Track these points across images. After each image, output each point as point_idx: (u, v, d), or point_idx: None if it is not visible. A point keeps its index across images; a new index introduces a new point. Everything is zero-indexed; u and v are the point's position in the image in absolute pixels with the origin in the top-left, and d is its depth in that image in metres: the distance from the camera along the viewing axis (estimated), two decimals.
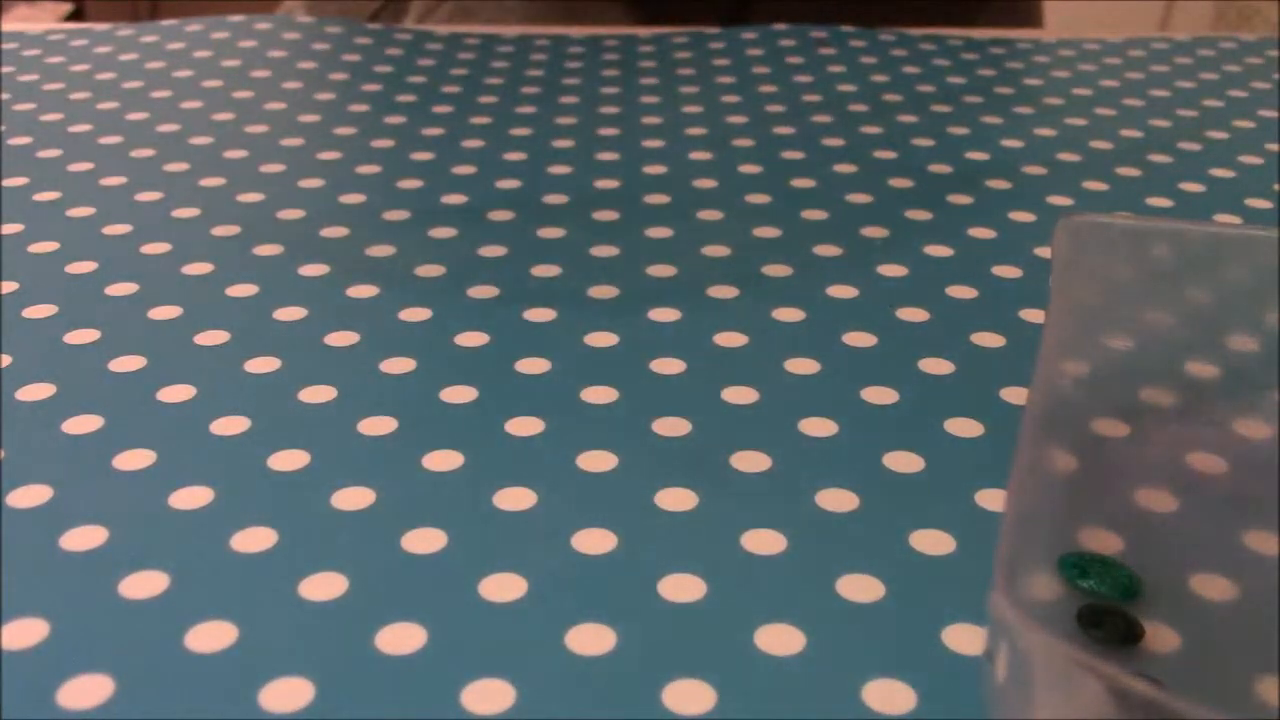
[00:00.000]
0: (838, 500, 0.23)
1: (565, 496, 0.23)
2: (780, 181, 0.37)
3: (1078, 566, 0.20)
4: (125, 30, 0.52)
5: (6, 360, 0.27)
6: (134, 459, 0.23)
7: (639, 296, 0.30)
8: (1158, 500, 0.22)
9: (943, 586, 0.20)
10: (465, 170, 0.37)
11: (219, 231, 0.33)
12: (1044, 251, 0.32)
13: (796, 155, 0.39)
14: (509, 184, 0.36)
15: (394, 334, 0.28)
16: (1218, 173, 0.38)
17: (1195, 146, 0.40)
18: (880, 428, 0.25)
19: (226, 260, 0.32)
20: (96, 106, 0.43)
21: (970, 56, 0.49)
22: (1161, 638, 0.19)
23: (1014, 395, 0.26)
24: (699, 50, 0.50)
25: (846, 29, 0.53)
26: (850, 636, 0.19)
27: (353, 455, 0.24)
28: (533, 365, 0.27)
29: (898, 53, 0.50)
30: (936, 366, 0.27)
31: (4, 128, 0.41)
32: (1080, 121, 0.42)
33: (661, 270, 0.31)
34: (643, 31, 0.53)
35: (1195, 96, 0.45)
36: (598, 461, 0.24)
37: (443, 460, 0.24)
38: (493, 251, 0.32)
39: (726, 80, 0.46)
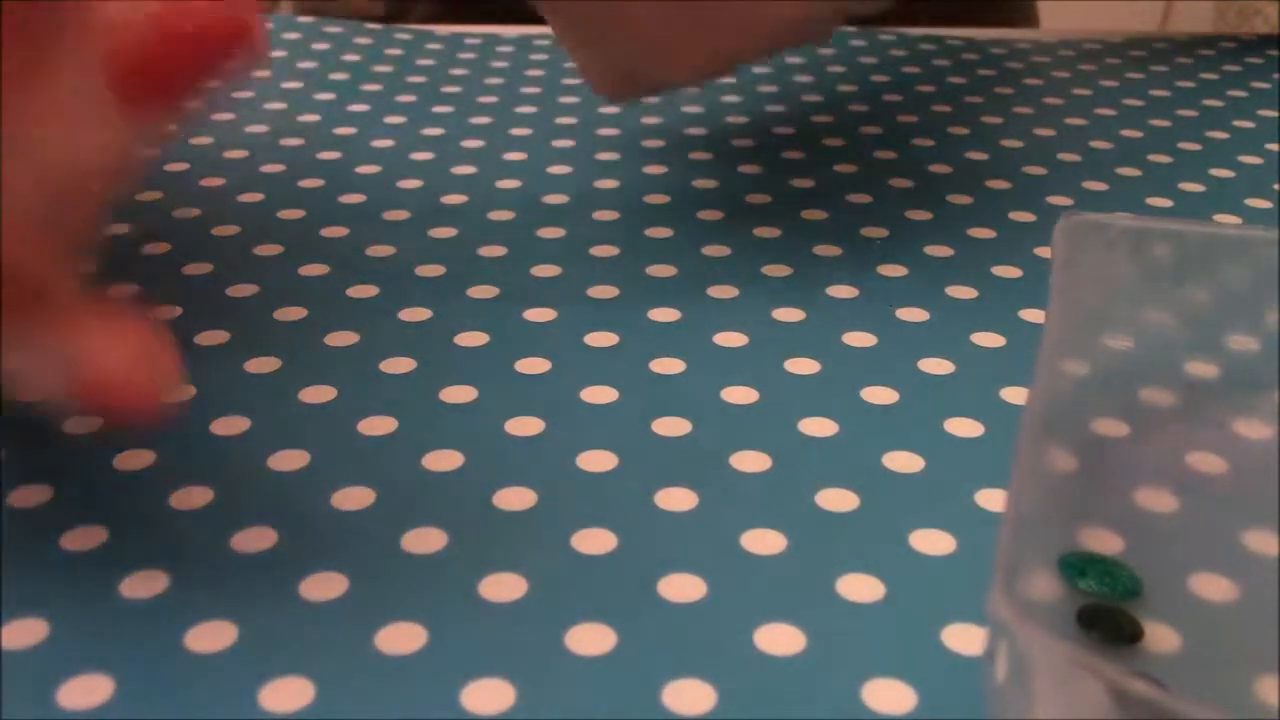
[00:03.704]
0: (838, 500, 0.23)
1: (565, 496, 0.23)
2: (780, 181, 0.37)
3: (1077, 566, 0.20)
4: None
5: None
6: (134, 459, 0.23)
7: (639, 296, 0.30)
8: (1158, 500, 0.22)
9: (943, 586, 0.20)
10: (465, 170, 0.37)
11: (219, 232, 0.33)
12: (1044, 251, 0.32)
13: (796, 155, 0.39)
14: (509, 184, 0.36)
15: (394, 334, 0.28)
16: (1218, 173, 0.38)
17: (1195, 146, 0.40)
18: (880, 428, 0.25)
19: (226, 260, 0.32)
20: None
21: (970, 57, 0.49)
22: (1161, 638, 0.19)
23: (1014, 395, 0.26)
24: None
25: (847, 29, 0.53)
26: (850, 636, 0.19)
27: (353, 455, 0.24)
28: (533, 365, 0.27)
29: (898, 53, 0.50)
30: (936, 366, 0.27)
31: None
32: (1080, 121, 0.42)
33: (661, 270, 0.31)
34: None
35: (1195, 96, 0.45)
36: (598, 461, 0.24)
37: (443, 460, 0.24)
38: (493, 251, 0.32)
39: (726, 80, 0.46)
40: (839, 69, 0.48)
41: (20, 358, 0.19)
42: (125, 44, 0.18)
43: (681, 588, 0.20)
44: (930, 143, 0.40)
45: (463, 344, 0.28)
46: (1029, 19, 0.67)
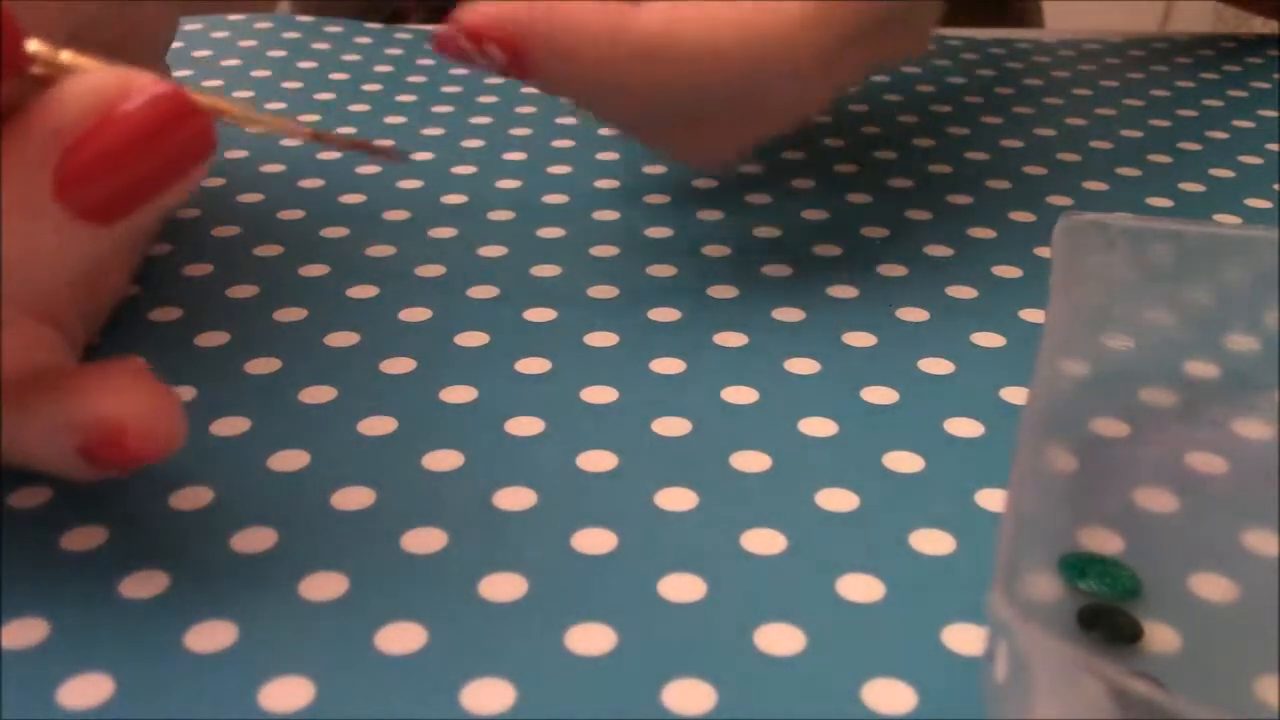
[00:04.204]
0: (838, 500, 0.23)
1: (565, 496, 0.23)
2: (780, 181, 0.37)
3: (1078, 566, 0.20)
4: None
5: None
6: None
7: (639, 296, 0.30)
8: (1158, 500, 0.22)
9: (943, 586, 0.20)
10: (465, 170, 0.37)
11: (219, 232, 0.33)
12: (1044, 251, 0.32)
13: (797, 155, 0.39)
14: (509, 184, 0.36)
15: (394, 334, 0.28)
16: (1218, 173, 0.38)
17: (1195, 146, 0.40)
18: (880, 428, 0.25)
19: (226, 260, 0.32)
20: None
21: (970, 56, 0.49)
22: (1161, 638, 0.19)
23: (1014, 395, 0.26)
24: None
25: None
26: (850, 636, 0.19)
27: (353, 455, 0.24)
28: (533, 365, 0.27)
29: None
30: (936, 366, 0.27)
31: None
32: (1080, 121, 0.42)
33: (661, 270, 0.31)
34: None
35: (1195, 96, 0.45)
36: (598, 461, 0.24)
37: (443, 460, 0.24)
38: (493, 251, 0.32)
39: None
40: None
41: (28, 431, 0.20)
42: (72, 150, 0.17)
43: (681, 588, 0.20)
44: (930, 143, 0.40)
45: (463, 344, 0.28)
46: (1035, 21, 0.67)
